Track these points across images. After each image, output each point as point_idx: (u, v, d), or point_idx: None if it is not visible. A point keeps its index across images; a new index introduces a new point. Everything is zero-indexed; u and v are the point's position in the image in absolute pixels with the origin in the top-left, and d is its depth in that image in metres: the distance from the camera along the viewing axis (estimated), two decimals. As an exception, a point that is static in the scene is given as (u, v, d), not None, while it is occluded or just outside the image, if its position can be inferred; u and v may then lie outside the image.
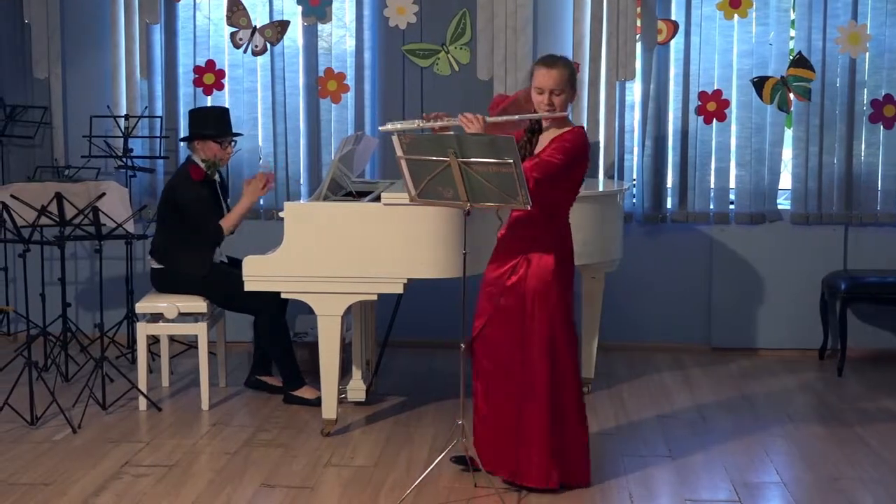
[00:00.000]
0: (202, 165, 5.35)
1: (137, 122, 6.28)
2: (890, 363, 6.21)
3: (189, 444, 4.73)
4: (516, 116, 4.20)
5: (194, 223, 5.29)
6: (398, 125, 4.21)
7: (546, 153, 4.00)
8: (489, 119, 4.07)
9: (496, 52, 6.20)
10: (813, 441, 4.81)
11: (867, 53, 6.20)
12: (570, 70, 4.07)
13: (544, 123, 4.14)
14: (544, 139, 4.11)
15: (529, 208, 3.87)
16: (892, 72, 6.22)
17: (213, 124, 5.41)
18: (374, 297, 4.73)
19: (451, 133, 3.98)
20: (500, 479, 4.15)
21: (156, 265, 5.38)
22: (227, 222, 5.35)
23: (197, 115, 5.52)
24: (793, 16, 6.27)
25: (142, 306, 5.30)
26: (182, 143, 5.92)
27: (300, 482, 4.25)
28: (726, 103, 6.27)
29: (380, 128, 4.46)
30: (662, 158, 6.36)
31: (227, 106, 6.07)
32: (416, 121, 4.22)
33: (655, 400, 5.46)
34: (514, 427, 4.09)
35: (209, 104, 6.38)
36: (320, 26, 6.37)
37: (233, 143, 5.50)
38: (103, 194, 5.19)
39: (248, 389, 5.55)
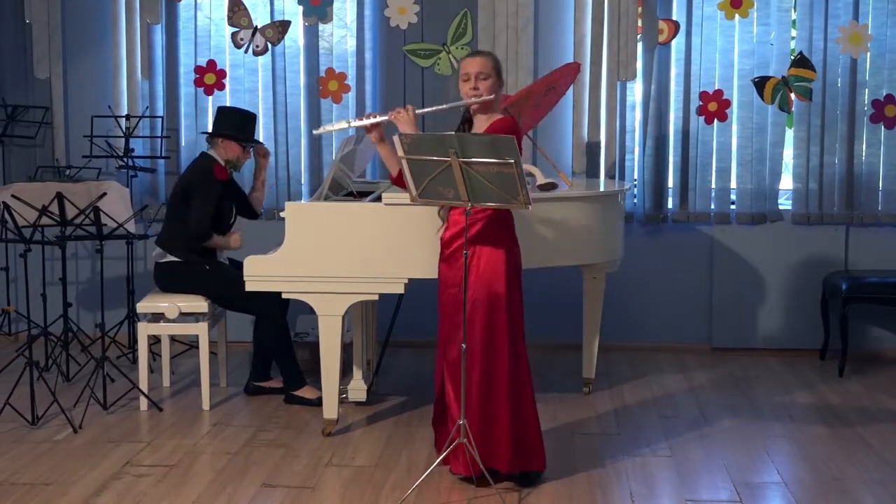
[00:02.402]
0: (224, 164, 5.34)
1: (138, 122, 6.28)
2: (891, 363, 6.20)
3: (190, 444, 4.73)
4: (445, 106, 4.35)
5: (194, 214, 5.23)
6: (328, 127, 4.68)
7: None
8: (418, 111, 4.22)
9: (497, 52, 6.18)
10: (814, 441, 4.81)
11: (868, 53, 6.20)
12: (494, 59, 4.23)
13: (474, 115, 4.20)
14: (477, 128, 4.17)
15: (530, 209, 3.89)
16: (893, 72, 6.22)
17: (243, 127, 5.40)
18: (375, 297, 4.74)
19: (453, 133, 3.99)
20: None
21: (161, 259, 5.36)
22: (214, 239, 5.31)
23: (228, 113, 5.49)
24: (794, 16, 6.27)
25: (143, 306, 5.30)
26: (191, 140, 5.91)
27: (301, 482, 4.25)
28: (727, 103, 6.26)
29: (314, 132, 4.77)
30: (663, 158, 6.36)
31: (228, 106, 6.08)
32: (345, 121, 4.51)
33: (656, 400, 5.46)
34: (479, 416, 4.10)
35: (210, 104, 6.40)
36: (321, 26, 6.37)
37: (251, 150, 5.49)
38: (104, 194, 5.20)
39: (249, 391, 5.57)
